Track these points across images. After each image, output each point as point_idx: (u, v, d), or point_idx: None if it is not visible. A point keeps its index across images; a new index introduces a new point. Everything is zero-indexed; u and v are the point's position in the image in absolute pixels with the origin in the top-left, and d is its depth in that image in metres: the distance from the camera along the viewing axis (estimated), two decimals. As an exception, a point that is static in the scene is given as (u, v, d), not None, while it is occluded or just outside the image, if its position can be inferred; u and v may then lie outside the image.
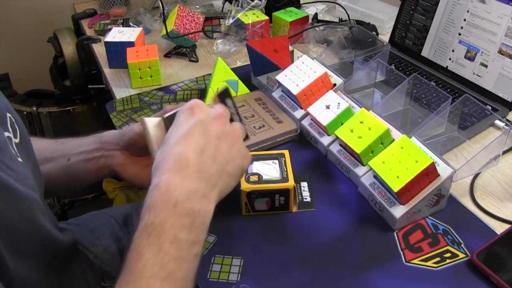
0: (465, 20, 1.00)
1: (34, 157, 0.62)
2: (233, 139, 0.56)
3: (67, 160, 0.72)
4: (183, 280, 0.47)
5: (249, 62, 1.03)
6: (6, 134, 0.54)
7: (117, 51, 1.12)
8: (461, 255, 0.65)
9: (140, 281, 0.44)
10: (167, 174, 0.50)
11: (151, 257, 0.45)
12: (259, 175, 0.71)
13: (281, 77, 0.88)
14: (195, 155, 0.52)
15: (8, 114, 0.57)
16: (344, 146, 0.77)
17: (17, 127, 0.58)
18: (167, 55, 1.19)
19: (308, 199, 0.75)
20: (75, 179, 0.73)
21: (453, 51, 1.03)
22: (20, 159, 0.55)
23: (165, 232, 0.47)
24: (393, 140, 0.74)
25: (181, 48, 1.20)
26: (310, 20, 1.23)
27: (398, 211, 0.67)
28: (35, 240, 0.53)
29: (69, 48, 1.51)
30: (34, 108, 1.58)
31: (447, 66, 1.05)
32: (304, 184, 0.77)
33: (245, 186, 0.69)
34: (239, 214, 0.72)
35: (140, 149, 0.68)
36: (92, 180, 0.73)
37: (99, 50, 1.25)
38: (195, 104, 0.55)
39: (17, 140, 0.57)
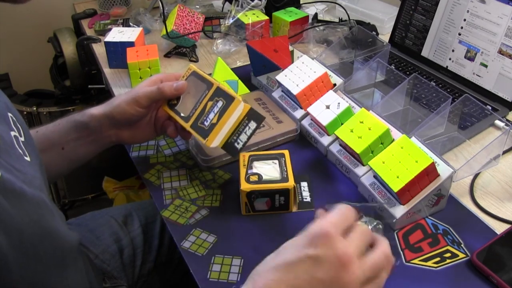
0: (465, 20, 1.00)
1: (38, 155, 0.62)
2: None
3: (61, 149, 0.74)
4: None
5: (249, 62, 1.03)
6: (13, 133, 0.54)
7: (117, 51, 1.12)
8: (461, 255, 0.65)
9: None
10: None
11: None
12: (259, 175, 0.71)
13: (281, 77, 0.88)
14: None
15: (9, 114, 0.57)
16: (344, 146, 0.77)
17: (19, 126, 0.58)
18: (167, 55, 1.19)
19: (308, 199, 0.75)
20: (77, 160, 0.77)
21: (453, 51, 1.03)
22: (27, 158, 0.55)
23: None
24: (393, 140, 0.74)
25: (181, 48, 1.20)
26: (310, 20, 1.23)
27: (398, 211, 0.67)
28: (42, 242, 0.52)
29: (69, 48, 1.51)
30: (34, 108, 1.58)
31: (447, 66, 1.05)
32: (304, 184, 0.77)
33: (245, 186, 0.69)
34: (239, 214, 0.72)
35: (134, 119, 0.73)
36: (99, 151, 0.78)
37: (99, 50, 1.25)
38: (323, 234, 0.47)
39: (23, 139, 0.57)
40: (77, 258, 0.68)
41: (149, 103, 0.73)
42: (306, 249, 0.46)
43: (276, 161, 0.73)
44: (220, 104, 0.69)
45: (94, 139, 0.75)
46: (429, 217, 0.71)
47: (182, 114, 0.73)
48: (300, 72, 0.87)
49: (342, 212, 0.50)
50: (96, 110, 0.75)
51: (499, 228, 0.69)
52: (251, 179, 0.70)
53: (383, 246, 0.49)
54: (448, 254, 0.65)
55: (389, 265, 0.49)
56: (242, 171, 0.71)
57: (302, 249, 0.47)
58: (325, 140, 0.82)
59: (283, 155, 0.75)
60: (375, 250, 0.48)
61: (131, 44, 1.10)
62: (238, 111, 0.68)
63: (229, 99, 0.69)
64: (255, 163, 0.73)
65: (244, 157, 0.74)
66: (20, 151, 0.54)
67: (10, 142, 0.52)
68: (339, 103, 0.80)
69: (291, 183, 0.70)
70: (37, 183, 0.54)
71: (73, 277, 0.66)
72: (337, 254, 0.45)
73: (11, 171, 0.49)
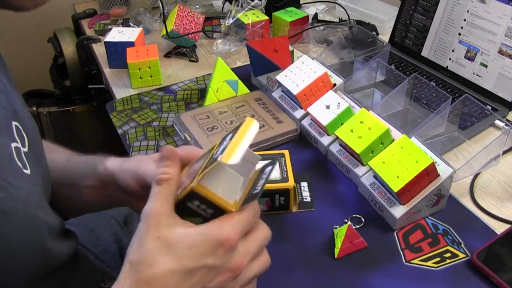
0: (465, 20, 1.00)
1: (45, 163, 0.59)
2: None
3: (79, 191, 0.67)
4: None
5: (249, 62, 1.03)
6: (14, 144, 0.51)
7: (117, 51, 1.12)
8: (461, 255, 0.65)
9: None
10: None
11: None
12: None
13: (281, 77, 0.88)
14: None
15: (14, 122, 0.54)
16: (344, 146, 0.77)
17: (25, 135, 0.55)
18: (167, 55, 1.19)
19: (308, 199, 0.75)
20: (92, 207, 0.70)
21: (453, 51, 1.03)
22: (27, 171, 0.52)
23: None
24: (393, 140, 0.74)
25: (181, 48, 1.20)
26: (310, 20, 1.23)
27: (398, 211, 0.67)
28: (35, 260, 0.51)
29: (69, 48, 1.51)
30: (34, 108, 1.58)
31: (447, 66, 1.05)
32: (304, 184, 0.77)
33: None
34: (239, 214, 0.72)
35: (134, 191, 0.61)
36: (112, 207, 0.71)
37: (99, 50, 1.25)
38: (227, 243, 0.44)
39: (26, 149, 0.54)
40: (74, 263, 0.67)
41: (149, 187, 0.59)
42: (206, 259, 0.44)
43: (276, 161, 0.73)
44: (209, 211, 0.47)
45: (106, 194, 0.67)
46: (429, 217, 0.71)
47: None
48: (300, 72, 0.87)
49: (249, 219, 0.46)
50: (111, 164, 0.64)
51: (499, 228, 0.69)
52: None
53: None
54: (448, 254, 0.65)
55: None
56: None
57: (202, 258, 0.44)
58: (325, 140, 0.82)
59: (283, 155, 0.75)
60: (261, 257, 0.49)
61: (131, 44, 1.10)
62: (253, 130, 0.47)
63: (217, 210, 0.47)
64: None
65: None
66: (20, 163, 0.51)
67: (8, 155, 0.49)
68: (339, 103, 0.80)
69: (291, 183, 0.70)
70: (33, 198, 0.51)
71: (70, 281, 0.65)
72: (233, 266, 0.45)
73: (5, 188, 0.47)
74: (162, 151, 0.50)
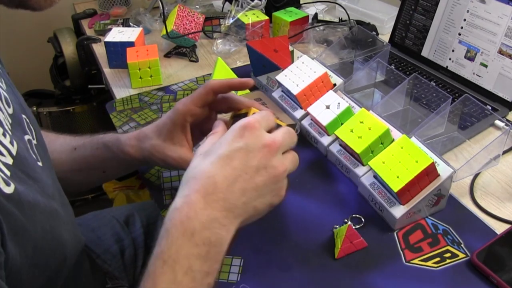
0: (465, 20, 1.00)
1: (49, 156, 0.61)
2: (274, 175, 0.51)
3: (102, 172, 0.73)
4: None
5: (249, 62, 1.03)
6: (26, 137, 0.53)
7: (117, 51, 1.12)
8: (461, 255, 0.65)
9: None
10: (191, 195, 0.48)
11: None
12: None
13: (281, 77, 0.88)
14: (225, 182, 0.49)
15: (23, 116, 0.55)
16: (344, 146, 0.77)
17: (32, 128, 0.57)
18: (167, 55, 1.19)
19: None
20: (117, 176, 0.77)
21: (453, 51, 1.03)
22: (40, 163, 0.54)
23: (179, 261, 0.46)
24: (393, 140, 0.74)
25: (181, 48, 1.20)
26: (310, 20, 1.23)
27: (398, 211, 0.67)
28: (53, 253, 0.52)
29: (69, 48, 1.51)
30: (34, 108, 1.58)
31: (447, 66, 1.05)
32: None
33: None
34: (239, 214, 0.72)
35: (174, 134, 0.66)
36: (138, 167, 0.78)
37: (99, 50, 1.25)
38: (249, 125, 0.51)
39: (35, 141, 0.56)
40: (80, 260, 0.68)
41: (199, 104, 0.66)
42: (235, 142, 0.50)
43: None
44: None
45: (133, 165, 0.74)
46: (429, 217, 0.71)
47: None
48: (300, 72, 0.87)
49: (263, 114, 0.54)
50: (130, 147, 0.69)
51: (499, 228, 0.69)
52: None
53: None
54: (448, 254, 0.65)
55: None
56: None
57: (232, 143, 0.50)
58: (325, 140, 0.82)
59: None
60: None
61: (131, 44, 1.10)
62: None
63: None
64: None
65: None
66: (34, 156, 0.53)
67: (25, 148, 0.51)
68: (339, 103, 0.80)
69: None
70: (49, 191, 0.53)
71: (77, 279, 0.66)
72: (264, 143, 0.50)
73: (26, 182, 0.48)
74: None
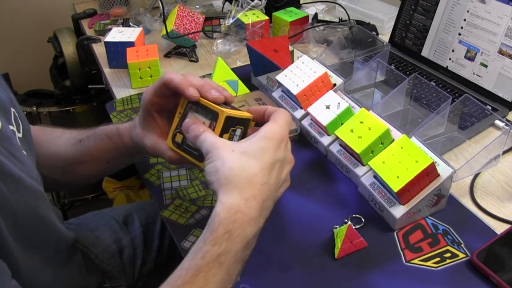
0: (465, 20, 1.00)
1: (35, 154, 0.63)
2: (286, 187, 0.57)
3: (107, 163, 0.74)
4: None
5: (249, 62, 1.03)
6: (11, 127, 0.55)
7: (117, 51, 1.12)
8: (461, 255, 0.65)
9: None
10: (251, 201, 0.50)
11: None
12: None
13: (281, 77, 0.88)
14: (270, 192, 0.52)
15: (12, 109, 0.57)
16: (344, 146, 0.77)
17: (20, 122, 0.59)
18: (167, 55, 1.19)
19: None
20: (122, 166, 0.78)
21: (453, 51, 1.03)
22: (24, 152, 0.56)
23: (233, 264, 0.49)
24: (393, 140, 0.74)
25: (181, 48, 1.20)
26: (310, 20, 1.23)
27: (398, 211, 0.67)
28: (38, 231, 0.54)
29: (69, 48, 1.51)
30: (34, 108, 1.58)
31: (447, 66, 1.05)
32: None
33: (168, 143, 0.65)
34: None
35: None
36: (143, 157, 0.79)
37: (99, 50, 1.25)
38: (284, 140, 0.55)
39: (20, 135, 0.58)
40: (72, 255, 0.68)
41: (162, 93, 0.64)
42: (277, 153, 0.53)
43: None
44: (238, 132, 0.61)
45: (133, 154, 0.74)
46: (429, 217, 0.71)
47: (195, 153, 0.62)
48: (300, 72, 0.87)
49: (286, 118, 0.57)
50: (127, 138, 0.71)
51: (499, 228, 0.69)
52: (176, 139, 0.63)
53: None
54: (448, 254, 0.65)
55: None
56: (175, 122, 0.64)
57: (275, 153, 0.53)
58: (325, 140, 0.82)
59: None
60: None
61: (131, 44, 1.10)
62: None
63: (245, 122, 0.61)
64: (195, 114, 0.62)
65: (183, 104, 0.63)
66: (19, 144, 0.55)
67: (11, 134, 0.53)
68: (339, 103, 0.80)
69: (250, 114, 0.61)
70: (34, 175, 0.55)
71: (68, 273, 0.66)
72: (290, 158, 0.57)
73: (10, 159, 0.50)
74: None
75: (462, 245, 0.67)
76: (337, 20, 1.30)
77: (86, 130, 0.76)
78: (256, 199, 0.50)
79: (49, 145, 0.74)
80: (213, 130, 0.58)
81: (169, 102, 0.64)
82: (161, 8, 1.23)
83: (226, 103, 0.61)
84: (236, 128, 0.60)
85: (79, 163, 0.74)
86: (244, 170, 0.51)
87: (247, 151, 0.52)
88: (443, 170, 0.68)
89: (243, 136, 0.60)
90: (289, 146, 0.57)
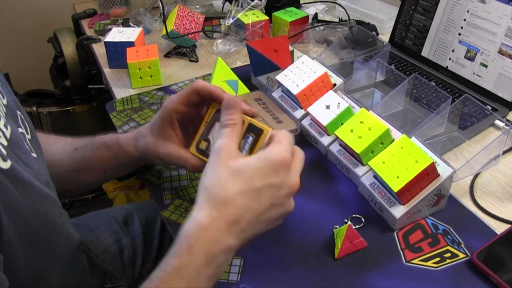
0: (465, 20, 1.00)
1: (43, 155, 0.63)
2: (287, 212, 0.55)
3: (102, 172, 0.74)
4: None
5: (249, 62, 1.03)
6: (20, 130, 0.55)
7: (117, 51, 1.12)
8: (461, 255, 0.65)
9: None
10: (219, 221, 0.50)
11: None
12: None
13: (281, 77, 0.88)
14: (250, 217, 0.51)
15: (18, 112, 0.58)
16: (344, 146, 0.77)
17: (27, 124, 0.59)
18: (167, 55, 1.19)
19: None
20: (116, 177, 0.78)
21: (453, 51, 1.03)
22: (34, 155, 0.56)
23: (195, 279, 0.48)
24: (393, 140, 0.74)
25: (181, 48, 1.20)
26: (310, 20, 1.23)
27: (398, 211, 0.67)
28: (48, 236, 0.54)
29: (69, 48, 1.51)
30: (34, 108, 1.58)
31: (447, 66, 1.05)
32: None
33: (192, 151, 0.66)
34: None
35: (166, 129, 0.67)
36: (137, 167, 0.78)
37: (99, 50, 1.25)
38: (285, 163, 0.52)
39: (29, 137, 0.58)
40: (78, 256, 0.68)
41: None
42: (271, 178, 0.51)
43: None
44: (250, 140, 0.60)
45: (135, 163, 0.74)
46: (429, 217, 0.71)
47: None
48: (300, 72, 0.87)
49: (289, 140, 0.55)
50: (129, 147, 0.71)
51: (499, 228, 0.69)
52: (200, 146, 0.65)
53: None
54: (448, 254, 0.65)
55: None
56: (200, 130, 0.66)
57: (268, 177, 0.51)
58: (325, 140, 0.82)
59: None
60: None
61: (131, 44, 1.10)
62: (265, 141, 0.61)
63: (258, 131, 0.60)
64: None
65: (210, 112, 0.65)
66: (28, 147, 0.55)
67: (20, 137, 0.54)
68: (339, 103, 0.80)
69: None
70: (43, 178, 0.55)
71: (74, 275, 0.66)
72: (292, 183, 0.53)
73: (20, 163, 0.50)
74: (227, 101, 0.58)
75: (462, 245, 0.67)
76: (337, 20, 1.30)
77: (82, 138, 0.76)
78: (226, 220, 0.50)
79: (44, 152, 0.74)
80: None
81: (191, 111, 0.66)
82: (161, 8, 1.23)
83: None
84: (249, 135, 0.59)
85: (75, 171, 0.73)
86: (223, 190, 0.51)
87: (241, 169, 0.52)
88: (443, 170, 0.68)
89: (253, 145, 0.59)
90: (295, 169, 0.54)
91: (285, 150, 0.53)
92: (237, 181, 0.51)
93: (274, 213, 0.53)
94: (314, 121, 0.84)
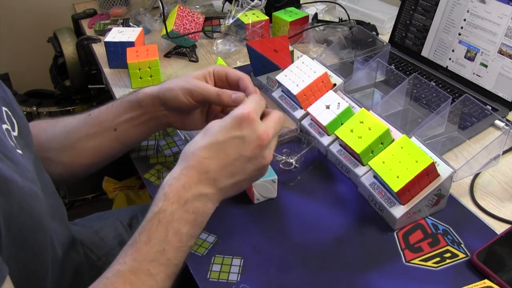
0: (465, 20, 1.00)
1: (34, 151, 0.62)
2: (263, 164, 0.59)
3: (114, 131, 0.74)
4: (176, 266, 0.55)
5: (249, 62, 1.03)
6: (4, 126, 0.55)
7: (117, 51, 1.12)
8: (461, 255, 0.65)
9: (145, 262, 0.52)
10: (188, 170, 0.56)
11: (157, 243, 0.53)
12: None
13: (281, 77, 0.88)
14: (218, 166, 0.56)
15: (4, 108, 0.58)
16: (344, 146, 0.77)
17: (14, 121, 0.59)
18: (167, 55, 1.19)
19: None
20: (129, 142, 0.78)
21: (453, 51, 1.03)
22: (19, 151, 0.56)
23: (172, 223, 0.54)
24: (393, 140, 0.74)
25: (181, 48, 1.20)
26: (310, 20, 1.23)
27: (398, 211, 0.67)
28: (33, 232, 0.54)
29: (69, 48, 1.51)
30: (34, 108, 1.58)
31: (447, 66, 1.05)
32: None
33: None
34: (239, 214, 0.72)
35: (184, 108, 0.71)
36: (149, 135, 0.79)
37: (99, 50, 1.25)
38: (247, 117, 0.57)
39: (15, 133, 0.58)
40: (71, 255, 0.68)
41: (204, 101, 0.70)
42: (233, 131, 0.56)
43: None
44: None
45: (146, 119, 0.74)
46: (429, 217, 0.71)
47: None
48: (300, 72, 0.87)
49: (256, 100, 0.60)
50: (150, 89, 0.73)
51: (499, 228, 0.69)
52: None
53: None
54: (448, 254, 0.65)
55: None
56: None
57: (230, 131, 0.56)
58: (325, 140, 0.82)
59: None
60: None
61: (131, 44, 1.10)
62: None
63: None
64: None
65: None
66: (12, 143, 0.55)
67: (2, 133, 0.54)
68: (339, 103, 0.80)
69: None
70: (29, 175, 0.55)
71: (69, 276, 0.66)
72: (258, 135, 0.57)
73: (2, 160, 0.50)
74: (237, 96, 0.65)
75: (462, 245, 0.67)
76: (337, 20, 1.30)
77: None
78: (195, 170, 0.55)
79: (54, 128, 0.75)
80: None
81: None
82: (161, 8, 1.23)
83: None
84: None
85: (88, 136, 0.73)
86: (191, 146, 0.57)
87: (208, 127, 0.58)
88: (443, 170, 0.68)
89: None
90: (265, 124, 0.58)
91: (248, 107, 0.58)
92: (204, 138, 0.57)
93: (250, 165, 0.58)
94: (314, 121, 0.84)
